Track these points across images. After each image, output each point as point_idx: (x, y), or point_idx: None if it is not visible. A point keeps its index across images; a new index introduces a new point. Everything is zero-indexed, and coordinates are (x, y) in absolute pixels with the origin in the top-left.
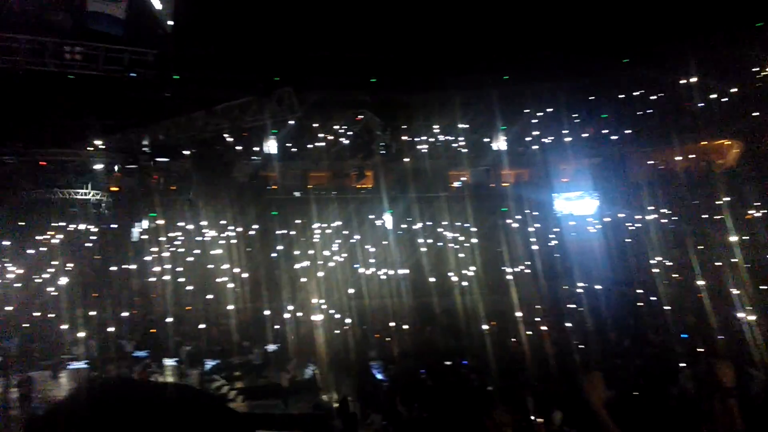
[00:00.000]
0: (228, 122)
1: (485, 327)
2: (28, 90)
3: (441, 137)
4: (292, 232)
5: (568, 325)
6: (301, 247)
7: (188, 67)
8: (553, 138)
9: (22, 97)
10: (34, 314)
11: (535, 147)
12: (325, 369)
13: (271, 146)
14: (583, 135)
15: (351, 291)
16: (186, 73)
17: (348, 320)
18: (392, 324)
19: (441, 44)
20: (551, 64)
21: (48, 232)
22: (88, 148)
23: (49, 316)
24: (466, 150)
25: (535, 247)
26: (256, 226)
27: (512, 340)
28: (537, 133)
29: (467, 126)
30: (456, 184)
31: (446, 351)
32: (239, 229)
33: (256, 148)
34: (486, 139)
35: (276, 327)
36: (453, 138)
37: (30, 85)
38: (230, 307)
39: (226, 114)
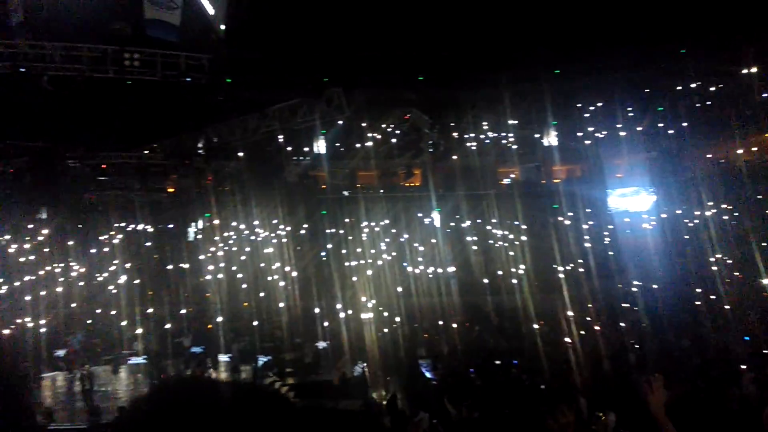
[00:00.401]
0: (279, 123)
1: (536, 326)
2: (90, 96)
3: (490, 134)
4: (341, 231)
5: (622, 324)
6: (349, 246)
7: (240, 70)
8: (606, 132)
9: (84, 103)
10: (96, 311)
11: (587, 142)
12: (374, 366)
13: (320, 146)
14: (638, 129)
15: (399, 289)
16: (238, 77)
17: (397, 318)
18: (441, 322)
19: (489, 39)
20: (604, 56)
21: (109, 232)
22: (146, 151)
23: (109, 312)
24: (515, 146)
25: (587, 245)
26: (306, 226)
27: (565, 339)
28: (590, 127)
29: (517, 122)
30: (505, 181)
31: (496, 350)
32: (289, 229)
33: (306, 149)
34: (536, 135)
35: (326, 325)
36: (502, 134)
37: (91, 91)
38: (281, 305)
39: (278, 116)
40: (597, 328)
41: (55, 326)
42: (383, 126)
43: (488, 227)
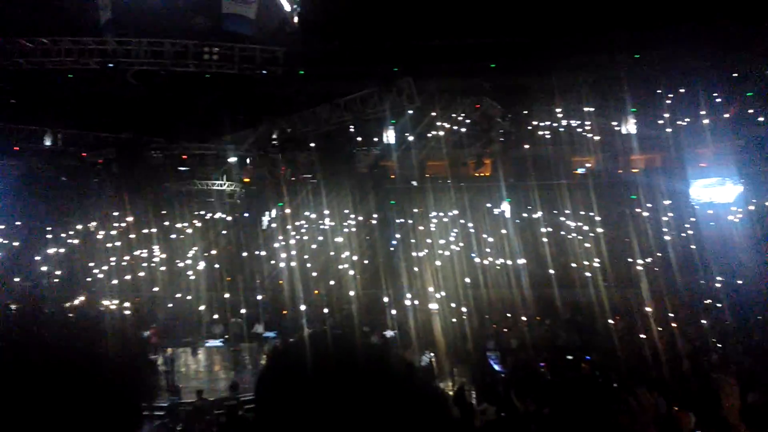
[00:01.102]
0: (350, 114)
1: (611, 321)
2: (171, 89)
3: (564, 122)
4: (410, 221)
5: (704, 322)
6: (418, 236)
7: (313, 62)
8: (689, 120)
9: (165, 96)
10: (176, 295)
11: (668, 130)
12: (442, 357)
13: (390, 136)
14: (725, 115)
15: (468, 280)
16: (311, 69)
17: (464, 309)
18: (510, 315)
19: (565, 23)
20: (688, 39)
21: (188, 221)
22: (224, 143)
23: (188, 297)
24: (591, 135)
25: (667, 238)
26: (375, 215)
27: (641, 336)
28: (671, 114)
29: (593, 109)
30: (580, 170)
31: (567, 345)
32: (359, 218)
33: (375, 139)
34: (613, 123)
35: (393, 313)
36: (577, 122)
37: (173, 84)
38: (351, 293)
39: (349, 106)
40: (675, 325)
41: (139, 309)
42: (453, 115)
43: (561, 218)
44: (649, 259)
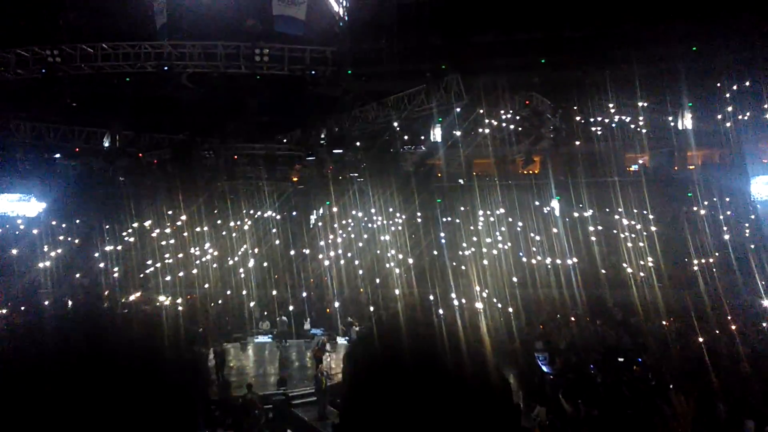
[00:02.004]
0: (397, 113)
1: (665, 323)
2: (224, 91)
3: (617, 117)
4: (456, 220)
5: (765, 325)
6: (464, 235)
7: (361, 62)
8: (749, 114)
9: (218, 98)
10: (227, 292)
11: (728, 124)
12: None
13: (436, 134)
14: None
15: (515, 280)
16: (359, 68)
17: (510, 309)
18: (559, 315)
19: (618, 14)
20: (747, 31)
21: (238, 219)
22: (273, 143)
23: (239, 294)
24: (645, 131)
25: (726, 237)
26: (421, 214)
27: (698, 339)
28: (730, 109)
29: (647, 104)
30: (633, 167)
31: (618, 347)
32: (405, 216)
33: (422, 137)
34: (669, 118)
35: (440, 312)
36: (631, 118)
37: (225, 86)
38: (397, 291)
39: (396, 105)
40: (734, 327)
41: (192, 305)
42: (502, 112)
43: (616, 216)
44: (706, 259)
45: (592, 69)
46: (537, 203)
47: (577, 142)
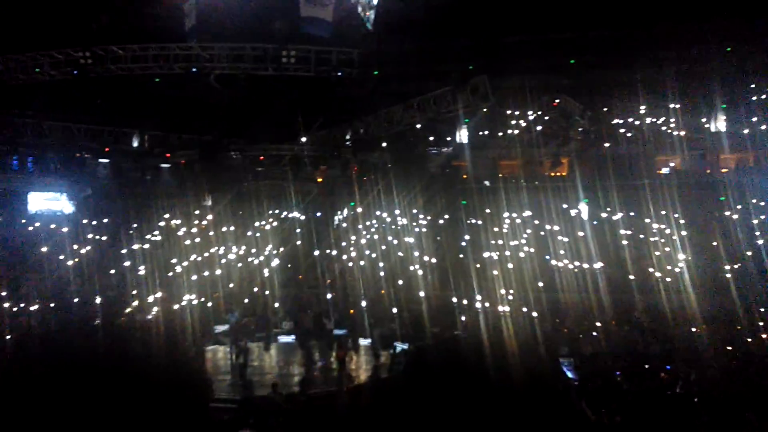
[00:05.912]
0: (423, 114)
1: (694, 329)
2: (251, 92)
3: (647, 119)
4: (481, 222)
5: None
6: (490, 237)
7: (387, 62)
8: None
9: (245, 99)
10: (252, 291)
11: (763, 127)
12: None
13: (462, 135)
14: None
15: (540, 284)
16: (385, 69)
17: (535, 314)
18: (585, 320)
19: (649, 14)
20: None
21: (264, 219)
22: (299, 144)
23: (263, 293)
24: (676, 133)
25: (760, 242)
26: (446, 216)
27: (728, 347)
28: (765, 111)
29: (679, 106)
30: (664, 170)
31: (646, 353)
32: (430, 218)
33: (448, 138)
34: (702, 120)
35: (463, 316)
36: (662, 119)
37: (252, 87)
38: (420, 293)
39: (422, 106)
40: (765, 336)
41: (217, 304)
42: (529, 113)
43: (647, 220)
44: (739, 265)
45: (622, 70)
46: (564, 206)
47: (606, 144)
